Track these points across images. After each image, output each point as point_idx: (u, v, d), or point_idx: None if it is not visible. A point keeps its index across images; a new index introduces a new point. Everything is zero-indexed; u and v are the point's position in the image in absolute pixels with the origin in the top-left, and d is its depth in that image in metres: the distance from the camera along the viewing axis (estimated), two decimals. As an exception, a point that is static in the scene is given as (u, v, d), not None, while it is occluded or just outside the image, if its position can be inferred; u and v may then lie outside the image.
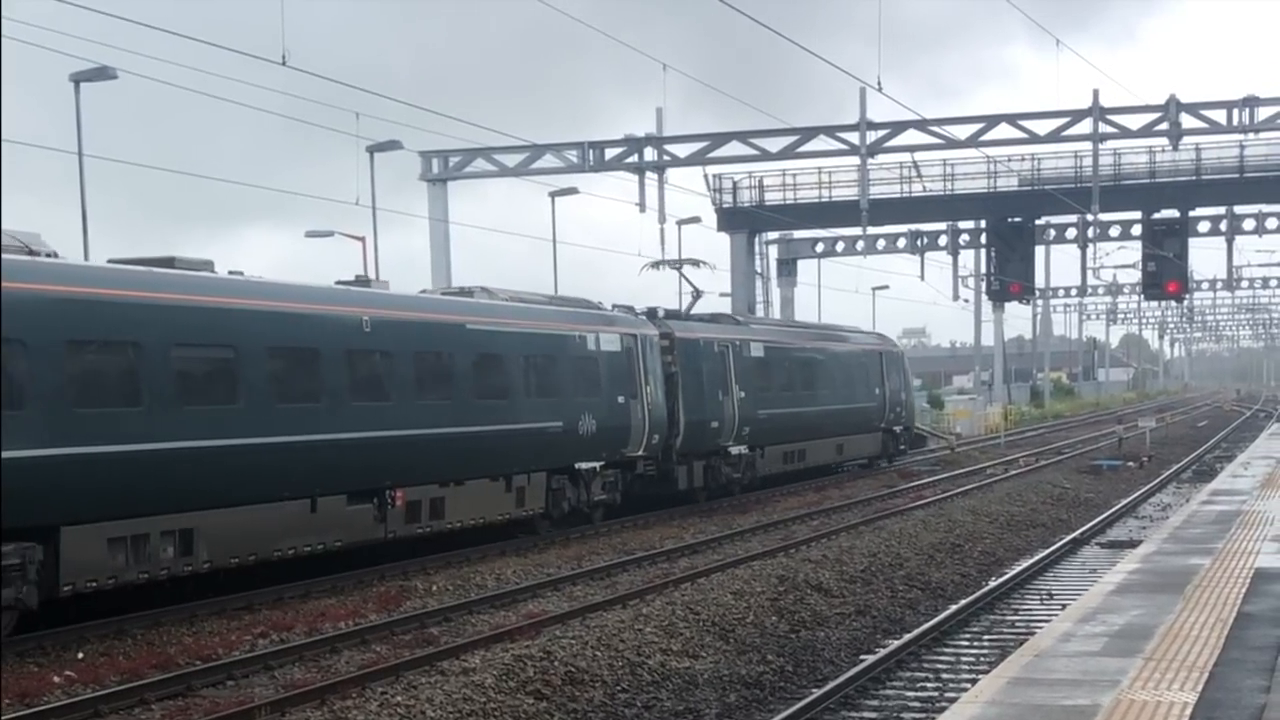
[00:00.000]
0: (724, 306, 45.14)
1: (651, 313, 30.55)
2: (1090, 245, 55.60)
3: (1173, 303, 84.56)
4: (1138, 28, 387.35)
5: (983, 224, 52.36)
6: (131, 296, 17.12)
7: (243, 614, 17.83)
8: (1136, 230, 51.73)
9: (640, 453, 28.33)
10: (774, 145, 42.72)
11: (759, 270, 53.44)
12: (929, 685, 14.26)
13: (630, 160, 42.84)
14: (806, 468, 37.48)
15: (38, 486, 15.32)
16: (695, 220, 49.35)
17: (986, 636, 16.89)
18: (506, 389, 24.44)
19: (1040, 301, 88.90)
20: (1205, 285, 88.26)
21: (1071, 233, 54.97)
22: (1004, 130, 41.71)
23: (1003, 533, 26.76)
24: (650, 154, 42.65)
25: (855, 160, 43.14)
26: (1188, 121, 40.52)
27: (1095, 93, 40.63)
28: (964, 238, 56.98)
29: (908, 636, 16.44)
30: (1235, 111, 40.07)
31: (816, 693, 13.51)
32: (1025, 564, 22.56)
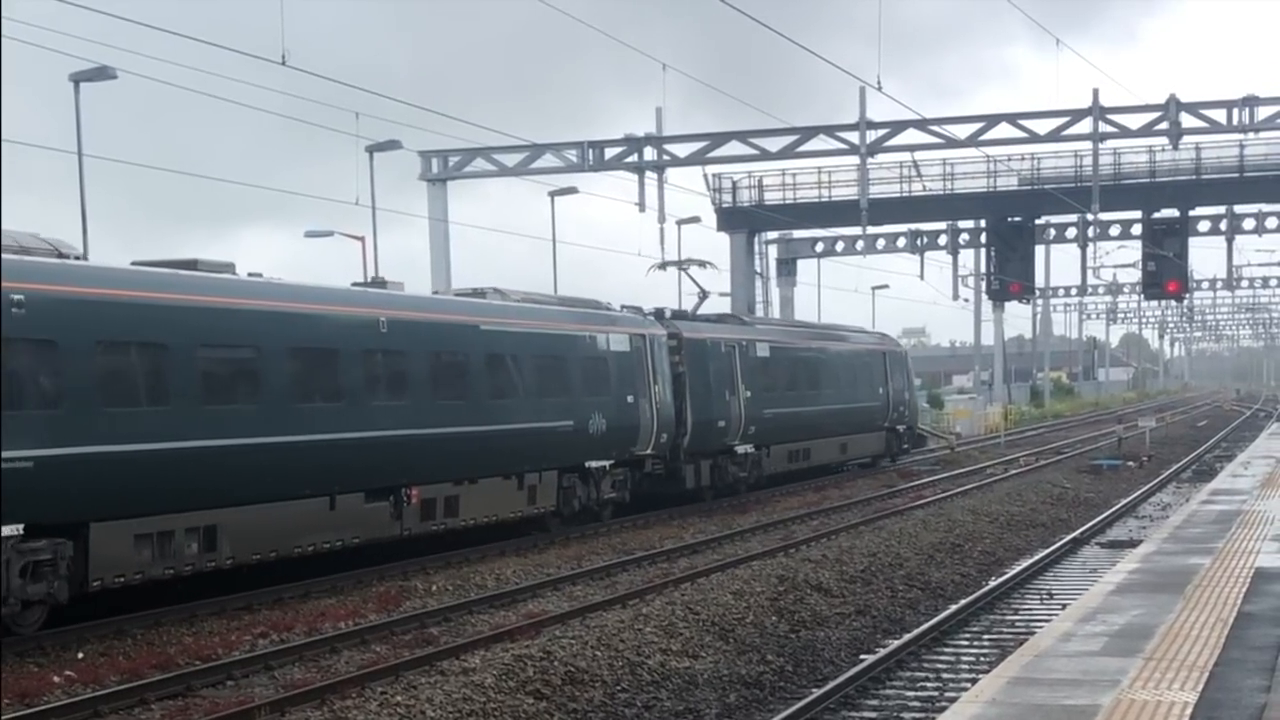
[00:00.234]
0: (724, 306, 45.14)
1: (659, 313, 30.85)
2: (1090, 245, 55.64)
3: (1173, 302, 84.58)
4: (1138, 28, 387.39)
5: (983, 223, 52.36)
6: (159, 298, 17.52)
7: (243, 614, 17.83)
8: (1136, 230, 51.72)
9: (649, 451, 28.64)
10: (774, 145, 42.71)
11: (758, 270, 53.44)
12: (929, 685, 14.26)
13: (630, 160, 42.82)
14: (811, 467, 37.73)
15: (69, 483, 15.72)
16: (695, 220, 49.36)
17: (986, 636, 16.89)
18: (519, 388, 24.76)
19: (1040, 301, 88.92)
20: (1205, 285, 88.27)
21: (1071, 232, 54.98)
22: (1004, 130, 41.68)
23: (1003, 532, 26.76)
24: (650, 153, 42.64)
25: (855, 160, 43.12)
26: (1188, 121, 40.51)
27: (1095, 92, 40.63)
28: (964, 237, 56.97)
29: (908, 636, 16.44)
30: (1235, 111, 40.05)
31: (816, 692, 13.50)
32: (1025, 564, 22.56)
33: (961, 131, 41.95)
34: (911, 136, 42.06)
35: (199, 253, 20.80)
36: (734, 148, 42.88)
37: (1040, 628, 14.38)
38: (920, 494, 33.77)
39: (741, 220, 51.24)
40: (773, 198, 51.07)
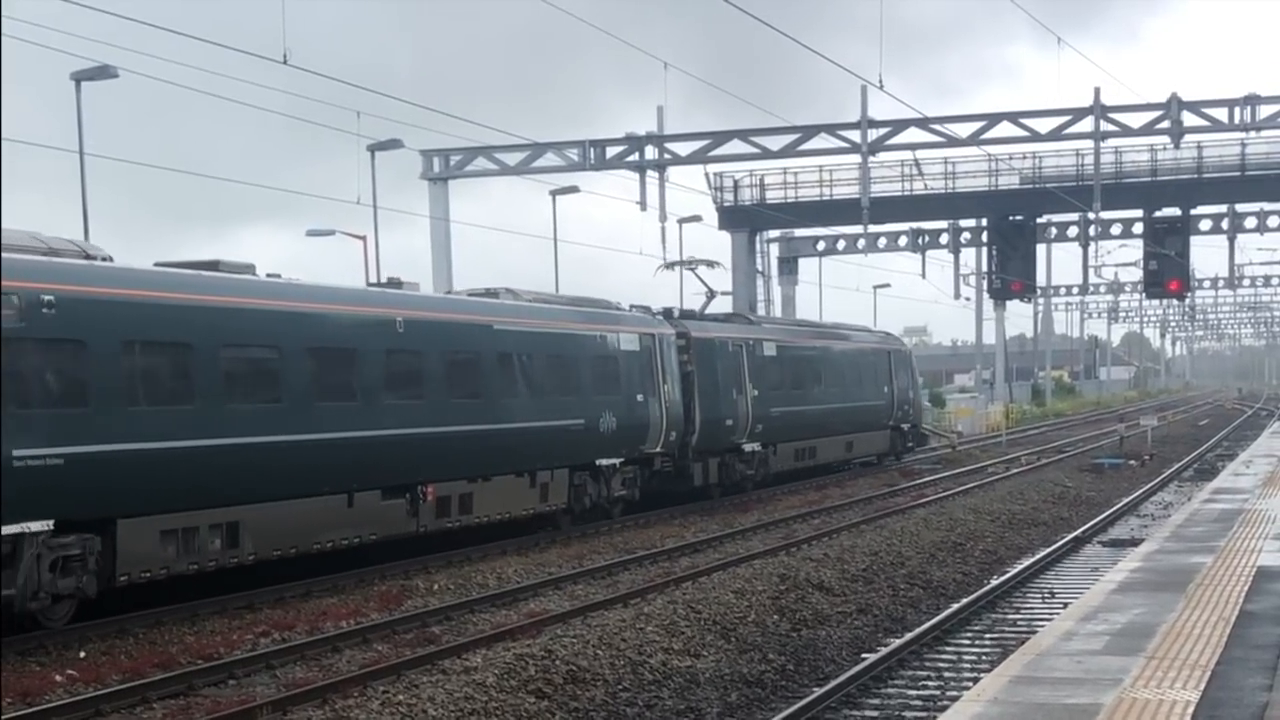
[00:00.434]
0: (725, 305, 45.18)
1: (668, 312, 31.16)
2: (1092, 243, 55.60)
3: (1174, 301, 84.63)
4: (1139, 26, 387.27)
5: (984, 222, 52.38)
6: (183, 299, 17.83)
7: (244, 613, 17.84)
8: (1138, 228, 51.75)
9: (658, 449, 28.96)
10: (775, 143, 42.76)
11: (760, 269, 53.46)
12: (931, 684, 14.25)
13: (631, 159, 42.86)
14: (817, 465, 38.01)
15: (98, 480, 16.09)
16: (696, 219, 49.38)
17: (988, 635, 16.87)
18: (531, 387, 25.05)
19: (1042, 300, 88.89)
20: (1207, 283, 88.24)
21: (1073, 231, 54.97)
22: (1005, 128, 41.71)
23: (1004, 531, 26.75)
24: (651, 152, 42.69)
25: (856, 158, 43.17)
26: (1189, 119, 40.53)
27: (1097, 91, 40.67)
28: (965, 236, 56.97)
29: (909, 635, 16.42)
30: (1237, 110, 40.07)
31: (818, 691, 13.49)
32: (1027, 562, 22.54)
33: (963, 130, 41.98)
34: (913, 135, 42.12)
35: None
36: (735, 146, 42.91)
37: (1042, 626, 14.38)
38: (922, 493, 33.76)
39: (743, 219, 51.26)
40: (774, 196, 51.11)
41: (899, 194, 49.32)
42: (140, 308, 17.09)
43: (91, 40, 43.71)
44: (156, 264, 18.86)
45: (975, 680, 12.01)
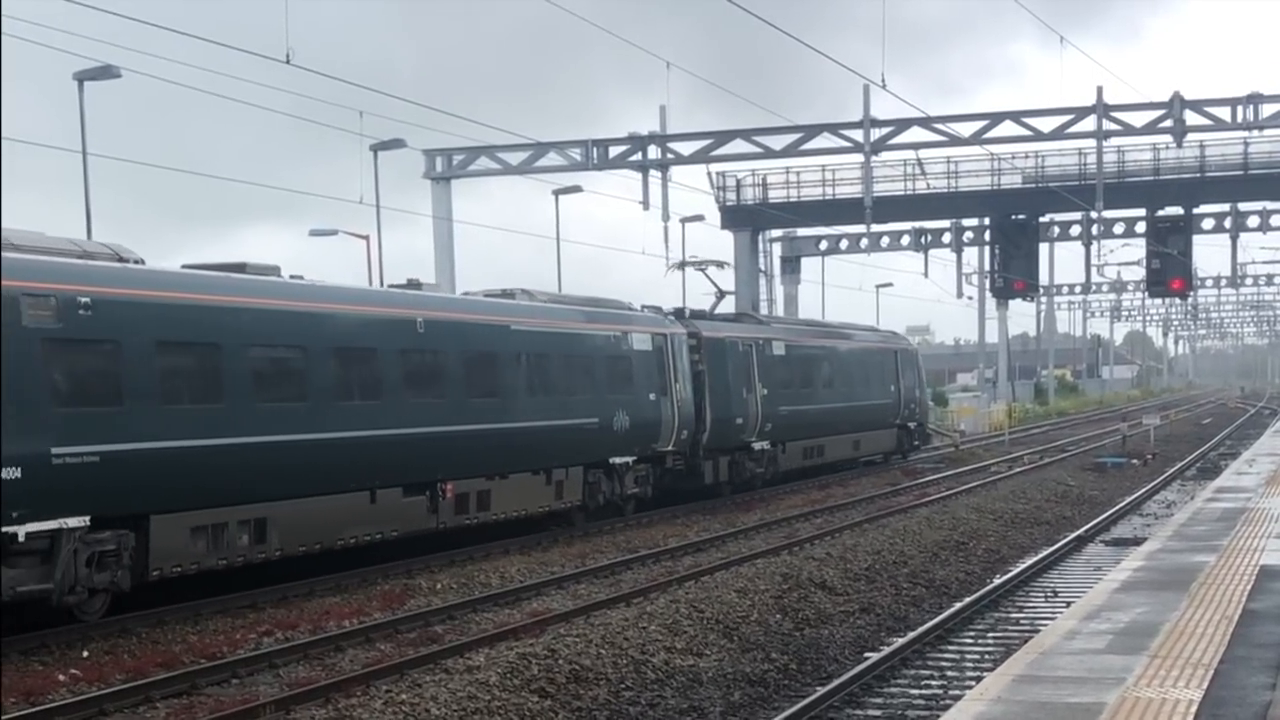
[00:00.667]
0: (727, 304, 45.20)
1: (679, 312, 31.59)
2: (1094, 242, 55.67)
3: (1177, 300, 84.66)
4: (1142, 25, 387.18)
5: (987, 221, 52.38)
6: (213, 301, 18.23)
7: (247, 612, 17.85)
8: (1141, 227, 51.76)
9: (670, 448, 29.31)
10: (778, 143, 42.77)
11: (762, 268, 53.45)
12: (933, 683, 14.25)
13: (634, 158, 42.87)
14: (825, 463, 38.29)
15: (132, 477, 16.49)
16: (699, 218, 49.38)
17: (991, 634, 16.87)
18: (547, 387, 25.41)
19: (1044, 299, 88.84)
20: (1209, 282, 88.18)
21: (1075, 230, 54.97)
22: (1008, 127, 41.72)
23: (1007, 530, 26.73)
24: (654, 152, 42.70)
25: (859, 158, 43.17)
26: (1192, 118, 40.52)
27: (1099, 90, 40.68)
28: (968, 235, 57.01)
29: (912, 634, 16.42)
30: (1239, 108, 40.07)
31: (821, 690, 13.49)
32: (1029, 561, 22.54)
33: (965, 129, 41.98)
34: (916, 134, 42.13)
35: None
36: (738, 146, 42.92)
37: (1045, 625, 14.37)
38: (924, 492, 33.75)
39: (746, 218, 51.26)
40: (777, 196, 51.11)
41: (901, 193, 49.30)
42: (172, 309, 17.52)
43: (94, 40, 43.77)
44: (184, 266, 19.37)
45: (978, 679, 12.01)
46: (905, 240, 57.44)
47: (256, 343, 18.77)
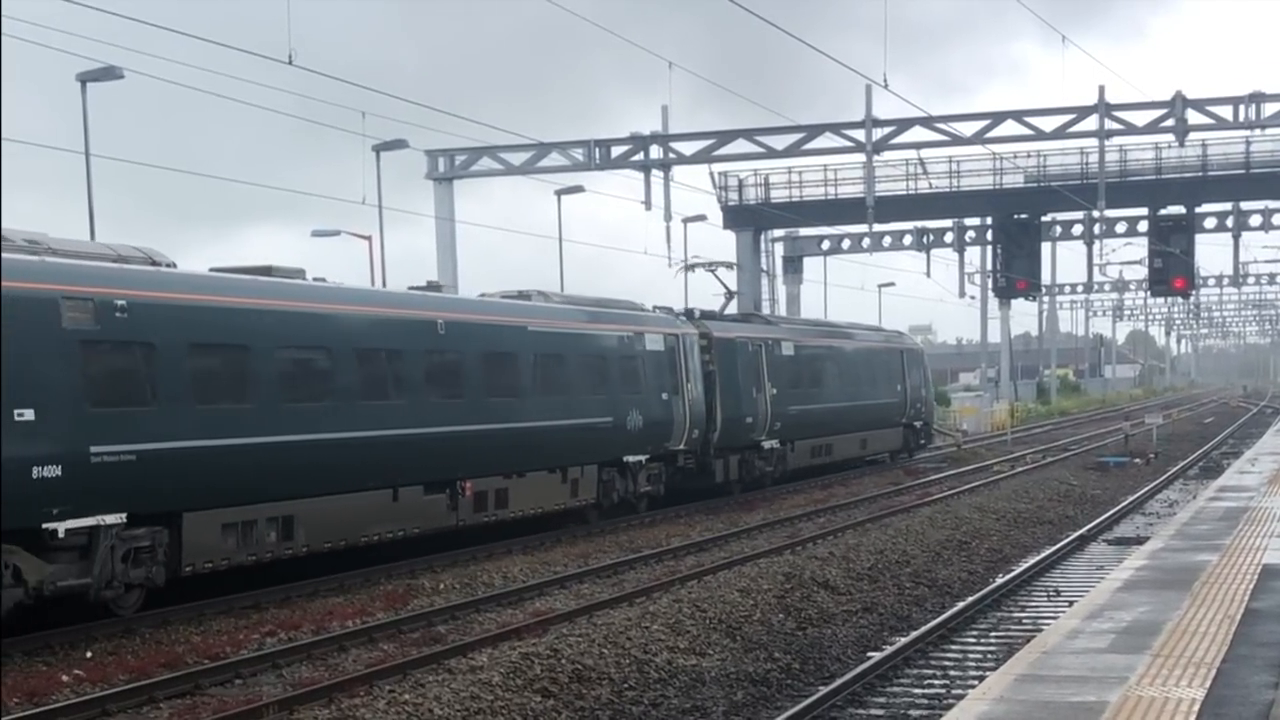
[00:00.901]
0: (730, 304, 45.20)
1: (689, 313, 31.98)
2: (1096, 242, 55.69)
3: (1179, 299, 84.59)
4: (1144, 24, 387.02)
5: (989, 221, 52.34)
6: (242, 303, 18.63)
7: (250, 613, 17.87)
8: (1143, 226, 51.74)
9: (681, 447, 29.69)
10: (780, 143, 42.74)
11: (764, 268, 53.44)
12: (936, 682, 14.25)
13: (636, 158, 42.85)
14: (833, 461, 38.61)
15: (166, 475, 16.85)
16: (701, 218, 49.39)
17: (994, 633, 16.87)
18: (563, 387, 25.77)
19: (1046, 298, 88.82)
20: (1211, 281, 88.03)
21: (1078, 229, 54.98)
22: (1010, 127, 41.68)
23: (1009, 530, 26.73)
24: (656, 152, 42.68)
25: (861, 157, 43.13)
26: (1194, 117, 40.49)
27: (1101, 89, 40.65)
28: (970, 234, 56.96)
29: (915, 634, 16.42)
30: (1241, 107, 40.03)
31: (824, 690, 13.50)
32: (1032, 561, 22.54)
33: (967, 129, 41.96)
34: (918, 134, 42.10)
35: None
36: (740, 146, 42.91)
37: (1047, 625, 14.37)
38: (927, 491, 33.75)
39: (748, 218, 51.26)
40: (779, 196, 51.12)
41: (904, 193, 49.31)
42: (204, 312, 17.90)
43: (96, 41, 43.79)
44: (212, 269, 19.73)
45: (981, 678, 12.01)
46: (907, 240, 57.43)
47: (284, 344, 19.14)
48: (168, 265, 18.11)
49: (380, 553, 21.26)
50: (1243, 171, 47.62)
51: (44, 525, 15.33)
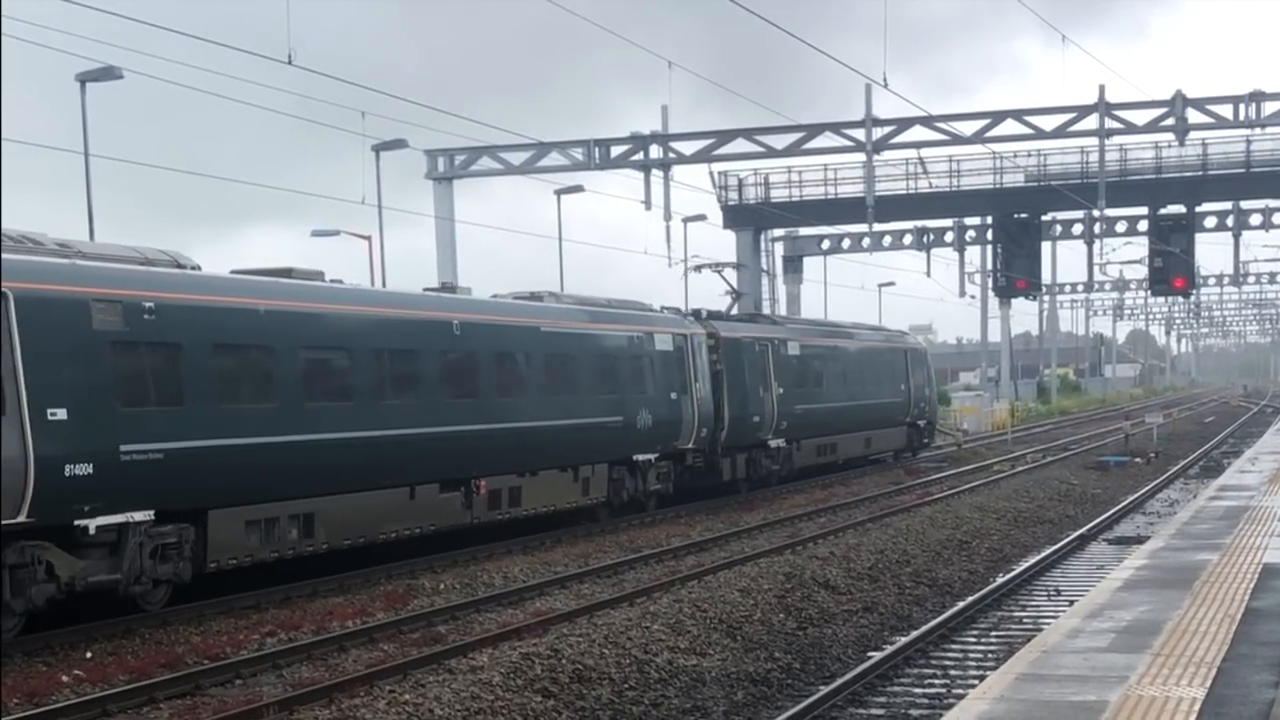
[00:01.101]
0: (734, 305, 45.25)
1: (697, 313, 32.31)
2: (1097, 241, 55.64)
3: (1179, 298, 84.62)
4: (1145, 23, 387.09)
5: (989, 220, 52.32)
6: (266, 305, 18.93)
7: (250, 613, 17.87)
8: (1143, 226, 51.73)
9: (690, 445, 30.03)
10: (780, 142, 42.76)
11: (765, 267, 53.43)
12: (937, 682, 14.25)
13: (636, 158, 42.86)
14: (838, 460, 38.89)
15: (192, 473, 17.22)
16: (701, 218, 49.39)
17: (994, 633, 16.87)
18: (574, 386, 26.13)
19: (1047, 297, 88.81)
20: (1212, 280, 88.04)
21: (1078, 228, 54.97)
22: (1010, 126, 41.70)
23: (1010, 529, 26.73)
24: (656, 151, 42.69)
25: (861, 157, 43.15)
26: (1194, 117, 40.50)
27: (1101, 88, 40.68)
28: (970, 234, 56.95)
29: (915, 633, 16.42)
30: (1242, 106, 40.04)
31: (824, 690, 13.50)
32: (1032, 560, 22.54)
33: (968, 128, 41.97)
34: (918, 133, 42.11)
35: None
36: (740, 145, 42.92)
37: (1048, 624, 14.37)
38: (927, 491, 33.75)
39: (748, 218, 51.25)
40: (779, 195, 51.11)
41: (904, 192, 49.31)
42: (228, 313, 18.25)
43: (95, 41, 43.79)
44: (233, 271, 19.95)
45: (981, 678, 12.01)
46: (907, 239, 57.43)
47: (306, 345, 19.46)
48: (192, 268, 18.43)
49: (392, 550, 21.45)
50: (1243, 170, 47.60)
51: (75, 522, 15.64)
